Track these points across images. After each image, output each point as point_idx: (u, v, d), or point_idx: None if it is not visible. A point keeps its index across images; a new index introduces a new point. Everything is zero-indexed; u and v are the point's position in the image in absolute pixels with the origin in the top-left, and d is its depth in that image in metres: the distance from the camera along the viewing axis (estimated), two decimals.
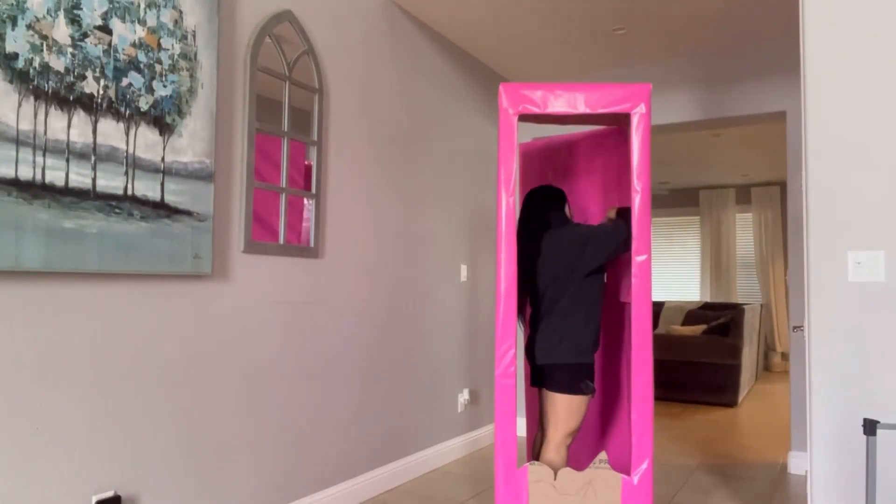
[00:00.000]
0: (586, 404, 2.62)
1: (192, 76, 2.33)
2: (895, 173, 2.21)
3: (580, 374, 2.59)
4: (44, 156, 1.88)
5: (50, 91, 1.90)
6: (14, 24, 1.81)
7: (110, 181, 2.05)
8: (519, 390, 4.55)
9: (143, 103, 2.17)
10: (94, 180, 2.01)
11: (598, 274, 2.65)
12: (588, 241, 2.58)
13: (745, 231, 8.92)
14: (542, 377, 2.66)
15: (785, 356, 8.55)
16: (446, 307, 4.01)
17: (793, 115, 3.92)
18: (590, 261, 2.58)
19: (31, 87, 1.85)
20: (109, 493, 2.11)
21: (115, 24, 2.08)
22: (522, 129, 4.69)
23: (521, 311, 2.91)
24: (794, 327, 3.40)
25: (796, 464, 3.83)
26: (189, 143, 2.32)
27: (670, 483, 3.60)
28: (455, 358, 4.12)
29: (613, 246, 2.57)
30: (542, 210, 2.75)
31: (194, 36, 2.35)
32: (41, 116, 1.88)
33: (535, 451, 2.86)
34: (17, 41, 1.82)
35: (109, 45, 2.06)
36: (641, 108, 2.45)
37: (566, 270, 2.60)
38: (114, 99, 2.07)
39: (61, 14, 1.93)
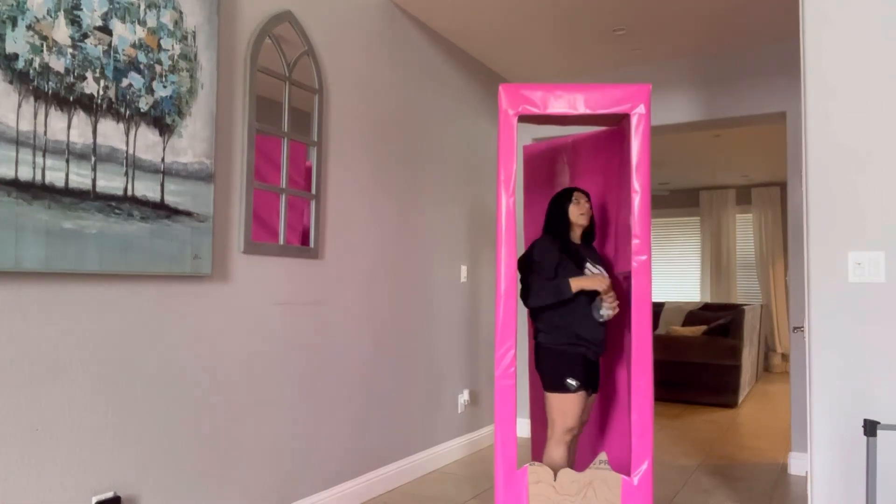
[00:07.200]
0: (578, 402, 2.63)
1: (192, 77, 2.33)
2: (895, 174, 2.21)
3: (561, 367, 2.64)
4: (44, 156, 1.88)
5: (50, 91, 1.90)
6: (14, 24, 1.81)
7: (110, 182, 2.05)
8: (520, 391, 4.55)
9: (143, 104, 2.17)
10: (93, 181, 2.01)
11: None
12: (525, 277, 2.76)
13: (745, 231, 8.91)
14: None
15: (785, 357, 8.54)
16: (446, 308, 4.01)
17: (793, 116, 3.92)
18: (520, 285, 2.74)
19: (31, 87, 1.85)
20: (109, 494, 2.11)
21: (115, 24, 2.08)
22: (522, 129, 4.69)
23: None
24: (795, 328, 3.40)
25: (796, 464, 3.83)
26: (189, 144, 2.32)
27: (670, 483, 3.60)
28: (455, 358, 4.12)
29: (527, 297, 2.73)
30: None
31: (194, 37, 2.35)
32: (41, 117, 1.88)
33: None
34: (18, 42, 1.82)
35: (109, 45, 2.06)
36: (641, 109, 2.45)
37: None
38: (114, 99, 2.07)
39: (61, 15, 1.93)
